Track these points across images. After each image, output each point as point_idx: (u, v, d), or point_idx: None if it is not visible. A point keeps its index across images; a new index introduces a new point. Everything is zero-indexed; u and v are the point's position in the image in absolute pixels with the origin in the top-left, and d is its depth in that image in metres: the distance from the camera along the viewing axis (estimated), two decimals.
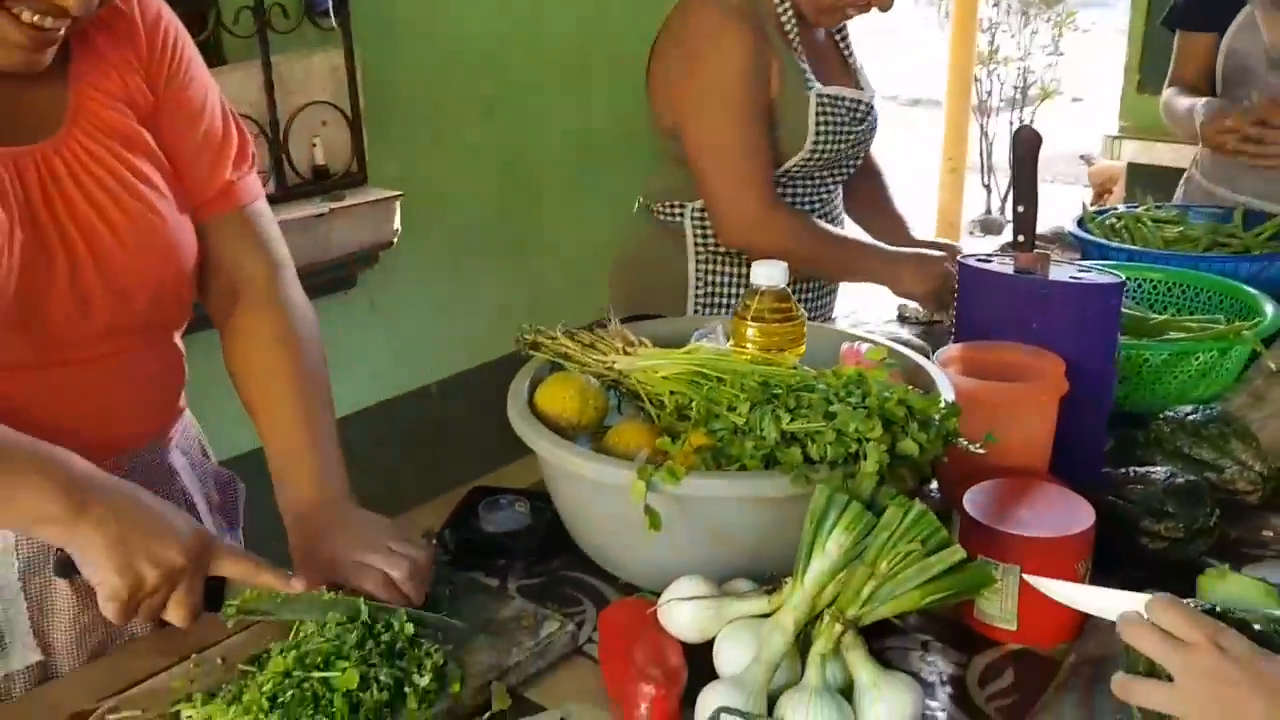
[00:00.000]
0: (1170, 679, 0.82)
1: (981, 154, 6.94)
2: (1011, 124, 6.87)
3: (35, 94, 1.07)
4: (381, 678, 0.97)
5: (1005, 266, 1.41)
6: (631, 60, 2.79)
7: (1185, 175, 2.49)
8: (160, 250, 1.13)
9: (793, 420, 1.07)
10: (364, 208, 2.39)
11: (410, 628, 1.02)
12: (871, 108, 1.91)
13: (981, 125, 6.95)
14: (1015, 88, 6.93)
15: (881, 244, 1.92)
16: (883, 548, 0.94)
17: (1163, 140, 3.82)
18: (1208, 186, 2.37)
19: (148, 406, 1.22)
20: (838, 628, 0.95)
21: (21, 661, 1.12)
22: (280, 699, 0.94)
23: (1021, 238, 1.38)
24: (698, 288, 1.91)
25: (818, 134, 1.80)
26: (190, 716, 0.96)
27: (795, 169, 1.83)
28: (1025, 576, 1.03)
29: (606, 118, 2.83)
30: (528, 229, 2.72)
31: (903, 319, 1.97)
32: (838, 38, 1.95)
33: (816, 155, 1.83)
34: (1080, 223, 2.12)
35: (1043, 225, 1.81)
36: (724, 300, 1.91)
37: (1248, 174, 2.26)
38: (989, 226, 6.77)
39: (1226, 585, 1.03)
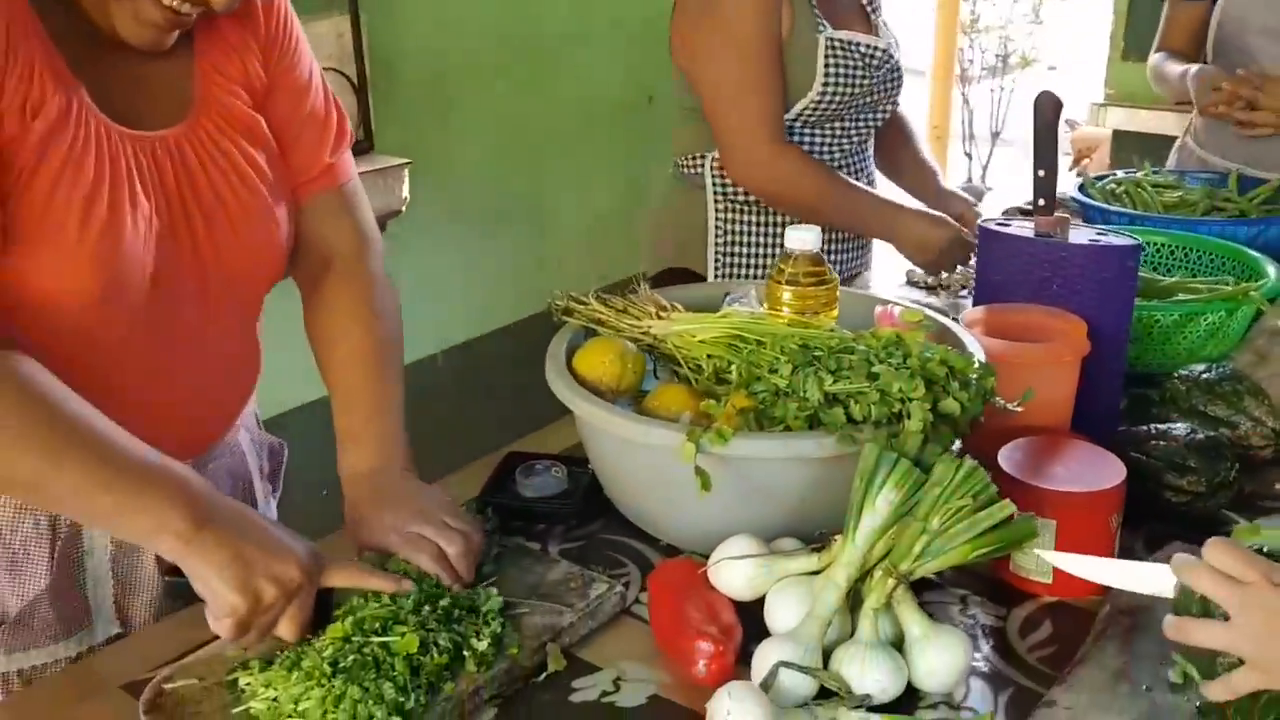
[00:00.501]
0: (1225, 619, 0.85)
1: (963, 122, 6.96)
2: (992, 92, 6.88)
3: (161, 77, 1.08)
4: (441, 641, 0.99)
5: (1025, 230, 1.43)
6: (630, 28, 2.81)
7: (1179, 143, 2.52)
8: (267, 240, 1.15)
9: (835, 382, 1.09)
10: (372, 176, 2.37)
11: (468, 596, 1.04)
12: (890, 57, 1.91)
13: (963, 93, 6.96)
14: (997, 56, 6.94)
15: (895, 200, 1.93)
16: (935, 503, 0.96)
17: (1147, 107, 3.86)
18: (1201, 154, 2.40)
19: (233, 390, 1.24)
20: (890, 582, 0.98)
21: (103, 635, 1.15)
22: (341, 664, 0.96)
23: (1042, 201, 1.40)
24: (717, 237, 1.93)
25: (826, 77, 1.82)
26: (249, 683, 0.98)
27: (808, 113, 1.85)
28: (1056, 560, 1.05)
29: (606, 85, 2.84)
30: (531, 196, 2.72)
31: (910, 283, 2.00)
32: None
33: (827, 100, 1.84)
34: (1081, 188, 2.15)
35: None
36: (743, 250, 1.94)
37: (1240, 141, 2.30)
38: (971, 194, 6.81)
39: (1258, 540, 1.06)
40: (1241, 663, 0.85)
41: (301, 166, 1.21)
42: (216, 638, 1.04)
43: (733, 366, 1.18)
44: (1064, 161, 6.97)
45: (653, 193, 2.05)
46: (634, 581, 1.16)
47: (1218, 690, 0.86)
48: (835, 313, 1.25)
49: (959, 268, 1.92)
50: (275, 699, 0.94)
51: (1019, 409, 1.12)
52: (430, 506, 1.11)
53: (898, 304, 1.30)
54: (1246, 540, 1.05)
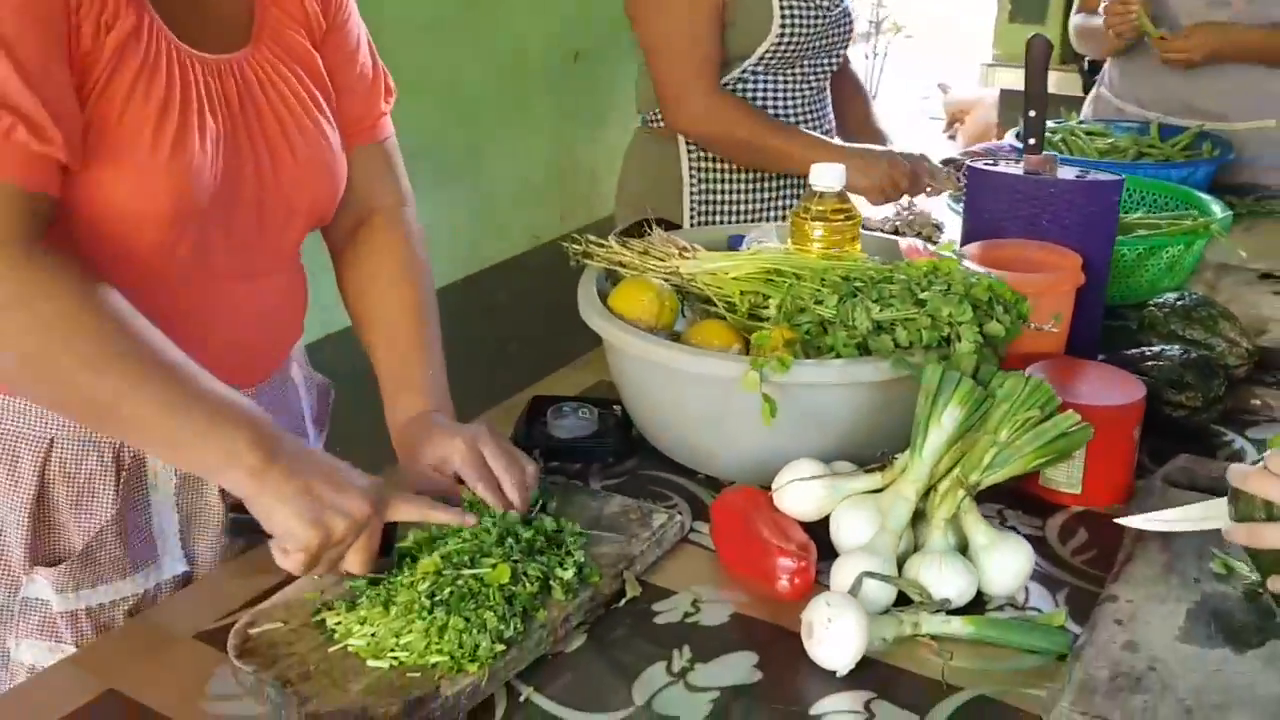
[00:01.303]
0: None
1: None
2: (866, 57, 7.07)
3: (222, 6, 1.07)
4: (530, 571, 1.00)
5: (1013, 168, 1.50)
6: None
7: (1094, 93, 2.66)
8: (325, 171, 1.15)
9: (882, 310, 1.13)
10: None
11: (550, 523, 1.05)
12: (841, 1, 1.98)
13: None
14: (870, 22, 7.13)
15: (831, 140, 1.98)
16: (1004, 416, 1.02)
17: None
18: (1117, 103, 2.54)
19: (286, 320, 1.23)
20: (960, 493, 1.03)
21: (170, 571, 1.13)
22: (438, 596, 0.96)
23: (1032, 140, 1.47)
24: (692, 187, 1.98)
25: (783, 19, 1.87)
26: (339, 622, 0.97)
27: (768, 57, 1.89)
28: (1121, 520, 1.09)
29: (535, 42, 2.82)
30: (467, 151, 2.70)
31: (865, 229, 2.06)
32: None
33: (784, 43, 1.89)
34: (1017, 136, 2.25)
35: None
36: (718, 197, 1.98)
37: (1153, 90, 2.44)
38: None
39: None
40: None
41: (352, 118, 1.21)
42: (287, 582, 1.03)
43: (771, 301, 1.21)
44: (937, 126, 7.24)
45: (596, 150, 2.07)
46: (685, 512, 1.19)
47: None
48: (859, 246, 1.29)
49: (914, 215, 1.99)
50: (375, 634, 0.94)
51: (1054, 329, 1.18)
52: (481, 441, 1.12)
53: (887, 237, 1.35)
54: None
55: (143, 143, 0.97)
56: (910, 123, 7.27)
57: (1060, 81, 4.11)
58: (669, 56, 1.86)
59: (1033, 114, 1.47)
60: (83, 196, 0.97)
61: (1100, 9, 2.45)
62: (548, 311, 1.24)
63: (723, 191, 1.97)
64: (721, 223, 1.97)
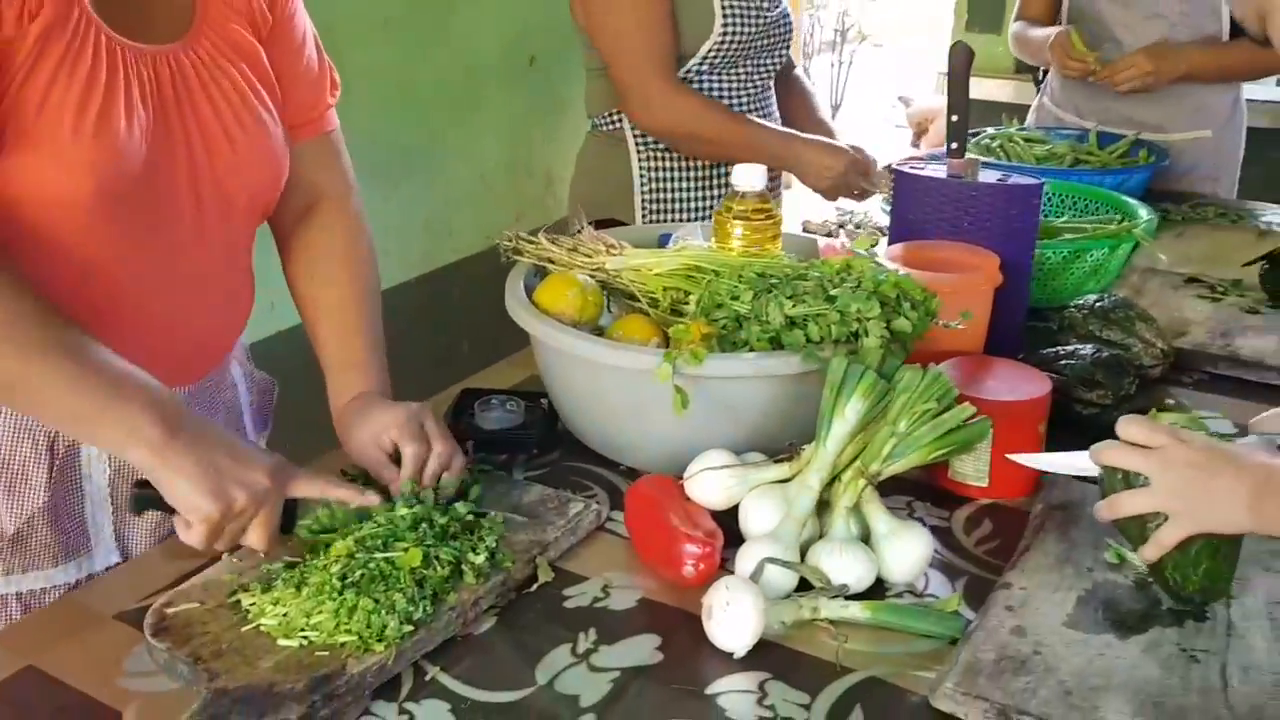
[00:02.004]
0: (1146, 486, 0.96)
1: None
2: (832, 65, 7.13)
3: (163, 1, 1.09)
4: (442, 556, 1.03)
5: (938, 171, 1.54)
6: None
7: (1036, 102, 2.71)
8: (264, 161, 1.17)
9: (795, 306, 1.16)
10: None
11: (463, 509, 1.08)
12: (779, 2, 2.02)
13: (805, 67, 7.19)
14: (835, 31, 7.19)
15: (792, 131, 2.03)
16: (903, 407, 1.05)
17: (991, 77, 4.10)
18: (1058, 113, 2.59)
19: (228, 317, 1.25)
20: (861, 483, 1.06)
21: (103, 562, 1.15)
22: (349, 578, 0.99)
23: (955, 144, 1.51)
24: (643, 187, 2.02)
25: (725, 21, 1.92)
26: (253, 603, 0.99)
27: (713, 57, 1.94)
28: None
29: (490, 45, 2.85)
30: (422, 151, 2.72)
31: (807, 231, 2.10)
32: None
33: (727, 43, 1.94)
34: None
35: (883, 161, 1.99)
36: (669, 196, 2.03)
37: (1092, 101, 2.50)
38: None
39: (1161, 420, 1.17)
40: (1166, 521, 0.96)
41: (298, 111, 1.24)
42: (208, 565, 1.05)
43: (691, 296, 1.24)
44: (903, 135, 7.31)
45: (551, 152, 2.10)
46: (604, 501, 1.22)
47: (1150, 551, 0.98)
48: (780, 245, 1.33)
49: (856, 217, 2.04)
50: (286, 614, 0.96)
51: (961, 326, 1.22)
52: (425, 415, 1.15)
53: (839, 240, 1.39)
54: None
55: (64, 127, 0.99)
56: (877, 130, 7.34)
57: (1016, 90, 4.17)
58: (628, 57, 1.90)
59: (954, 119, 1.51)
60: (2, 183, 0.98)
61: (1049, 43, 2.48)
62: (500, 311, 1.27)
63: (674, 191, 2.01)
64: (675, 220, 2.01)
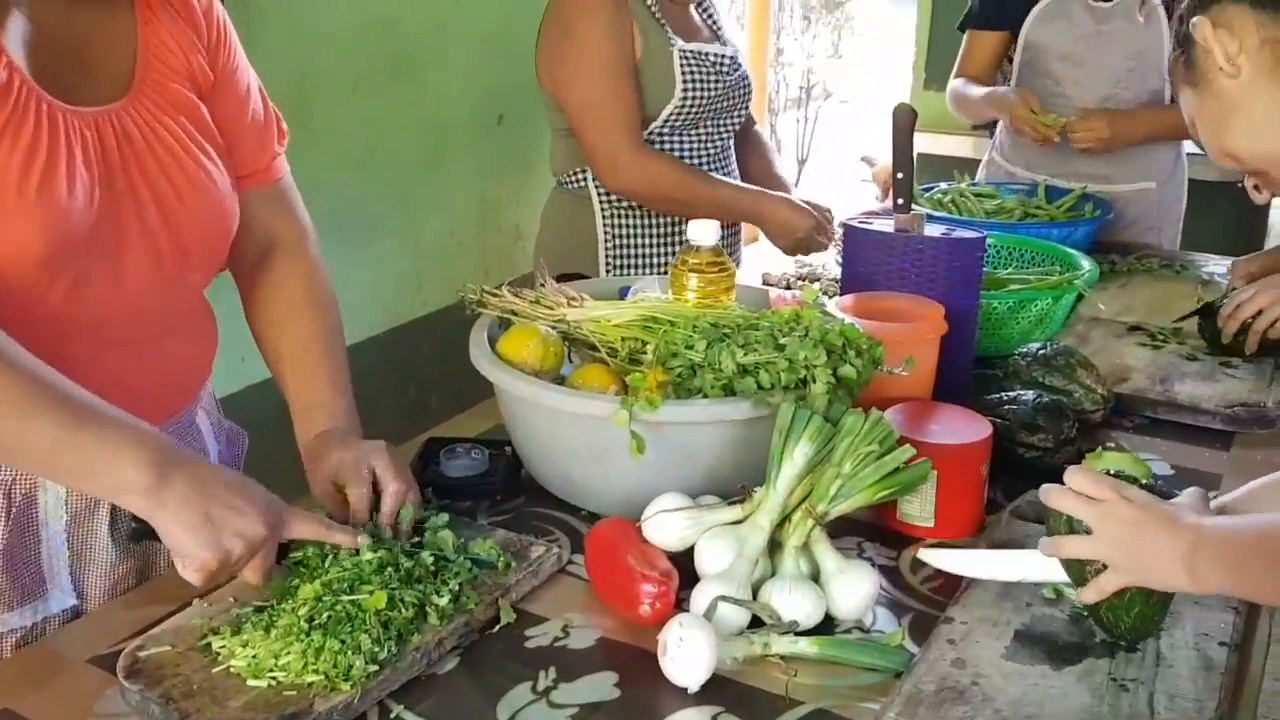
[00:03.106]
0: (1088, 533, 1.02)
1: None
2: (798, 122, 7.28)
3: (104, 58, 1.13)
4: (406, 598, 1.06)
5: (886, 226, 1.61)
6: (481, 49, 2.90)
7: (986, 158, 2.80)
8: (213, 212, 1.20)
9: (746, 354, 1.22)
10: None
11: (429, 559, 1.12)
12: (738, 64, 2.13)
13: (771, 124, 7.34)
14: (800, 88, 7.35)
15: (758, 188, 2.11)
16: (847, 450, 1.10)
17: (949, 133, 4.22)
18: (1008, 168, 2.68)
19: (190, 365, 1.28)
20: (809, 522, 1.11)
21: (58, 605, 1.16)
22: (317, 620, 1.02)
23: (900, 200, 1.58)
24: (608, 243, 2.10)
25: (685, 85, 2.01)
26: (224, 646, 1.03)
27: (674, 119, 2.03)
28: (923, 554, 1.17)
29: (459, 104, 2.92)
30: (392, 207, 2.78)
31: (766, 283, 2.17)
32: (702, 11, 2.16)
33: (689, 105, 2.03)
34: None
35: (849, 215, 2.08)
36: (633, 251, 2.10)
37: (1040, 156, 2.59)
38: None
39: (1108, 461, 1.22)
40: (1105, 568, 1.02)
41: (246, 162, 1.28)
42: (179, 611, 1.09)
43: (648, 346, 1.29)
44: (869, 189, 7.45)
45: (519, 208, 2.17)
46: (565, 545, 1.26)
47: (1090, 594, 1.03)
48: (734, 296, 1.39)
49: (814, 269, 2.11)
50: (255, 656, 1.00)
51: (904, 373, 1.28)
52: (378, 454, 1.19)
53: (791, 291, 1.45)
54: (1095, 465, 1.22)
55: (8, 193, 1.01)
56: (843, 185, 7.47)
57: (975, 146, 4.28)
58: (597, 124, 1.98)
59: (900, 176, 1.58)
60: None
61: (993, 93, 2.57)
62: (468, 363, 1.32)
63: (638, 245, 2.09)
64: (639, 274, 2.07)
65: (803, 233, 2.04)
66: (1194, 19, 1.12)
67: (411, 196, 2.85)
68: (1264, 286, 1.75)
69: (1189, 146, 2.70)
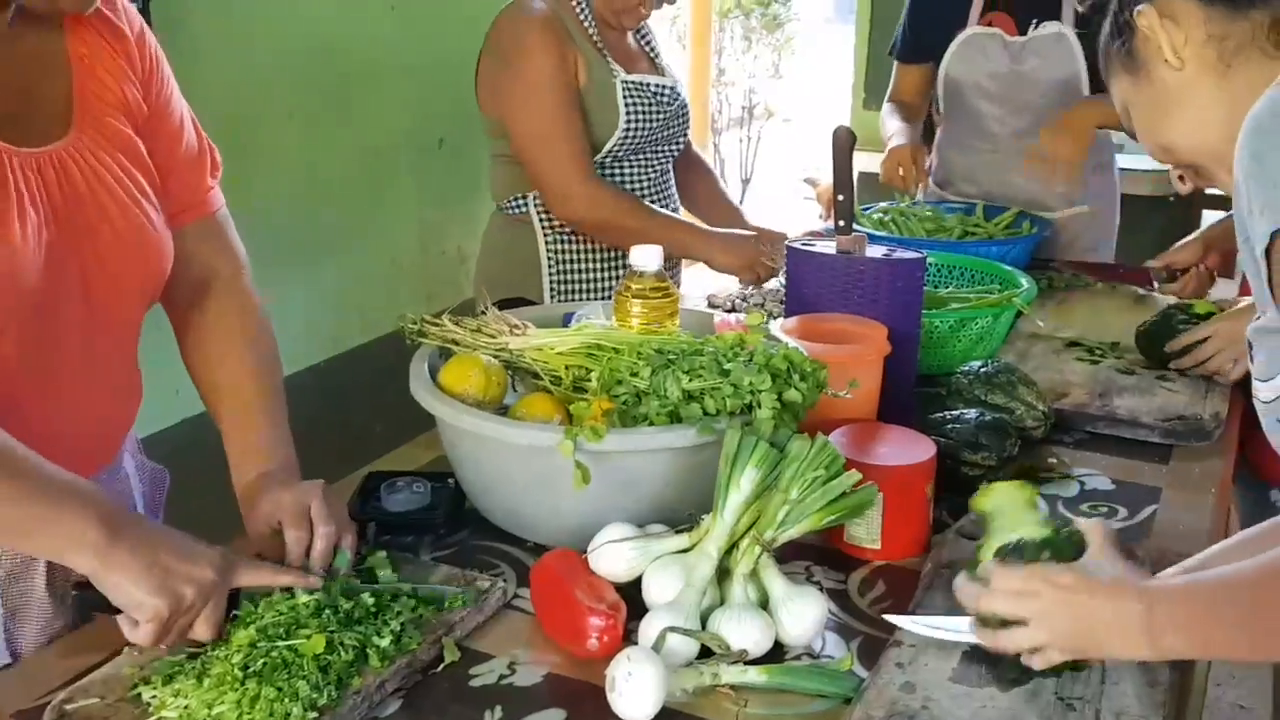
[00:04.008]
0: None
1: (715, 169, 7.37)
2: (741, 142, 7.33)
3: (42, 98, 1.10)
4: (346, 641, 1.04)
5: (828, 248, 1.61)
6: (420, 74, 2.88)
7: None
8: (149, 250, 1.17)
9: (691, 380, 1.21)
10: None
11: (369, 600, 1.09)
12: (678, 94, 2.14)
13: (714, 143, 7.38)
14: (743, 108, 7.40)
15: (697, 221, 2.12)
16: (794, 476, 1.10)
17: None
18: (939, 192, 2.70)
19: (119, 412, 1.24)
20: (757, 549, 1.10)
21: None
22: (252, 668, 0.99)
23: (842, 222, 1.59)
24: (550, 269, 2.09)
25: (628, 115, 2.02)
26: (155, 696, 0.99)
27: (618, 149, 2.04)
28: (888, 617, 1.13)
29: (399, 128, 2.89)
30: (332, 234, 2.74)
31: (712, 305, 2.16)
32: (640, 37, 2.17)
33: (632, 134, 2.04)
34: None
35: (793, 234, 2.09)
36: (576, 277, 2.10)
37: (966, 182, 2.61)
38: None
39: (995, 495, 1.18)
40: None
41: (181, 195, 1.25)
42: (108, 660, 1.05)
43: (592, 374, 1.28)
44: (813, 208, 7.52)
45: (462, 231, 2.16)
46: (510, 579, 1.24)
47: (1039, 663, 1.00)
48: (678, 322, 1.38)
49: (758, 292, 2.11)
50: (188, 706, 0.96)
51: (849, 396, 1.28)
52: (314, 496, 1.16)
53: (735, 313, 1.45)
54: (985, 498, 1.17)
55: None
56: (787, 203, 7.52)
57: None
58: (550, 155, 1.98)
59: (840, 198, 1.58)
60: None
61: (890, 140, 2.57)
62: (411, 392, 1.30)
63: (581, 271, 2.08)
64: (582, 299, 2.07)
65: (745, 265, 2.03)
66: (1139, 6, 1.10)
67: (351, 222, 2.81)
68: (1221, 332, 1.74)
69: (1127, 161, 2.74)
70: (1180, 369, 1.77)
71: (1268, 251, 0.92)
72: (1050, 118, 2.38)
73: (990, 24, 2.49)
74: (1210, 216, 4.72)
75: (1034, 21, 2.44)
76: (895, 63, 2.75)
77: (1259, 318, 0.98)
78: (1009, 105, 2.51)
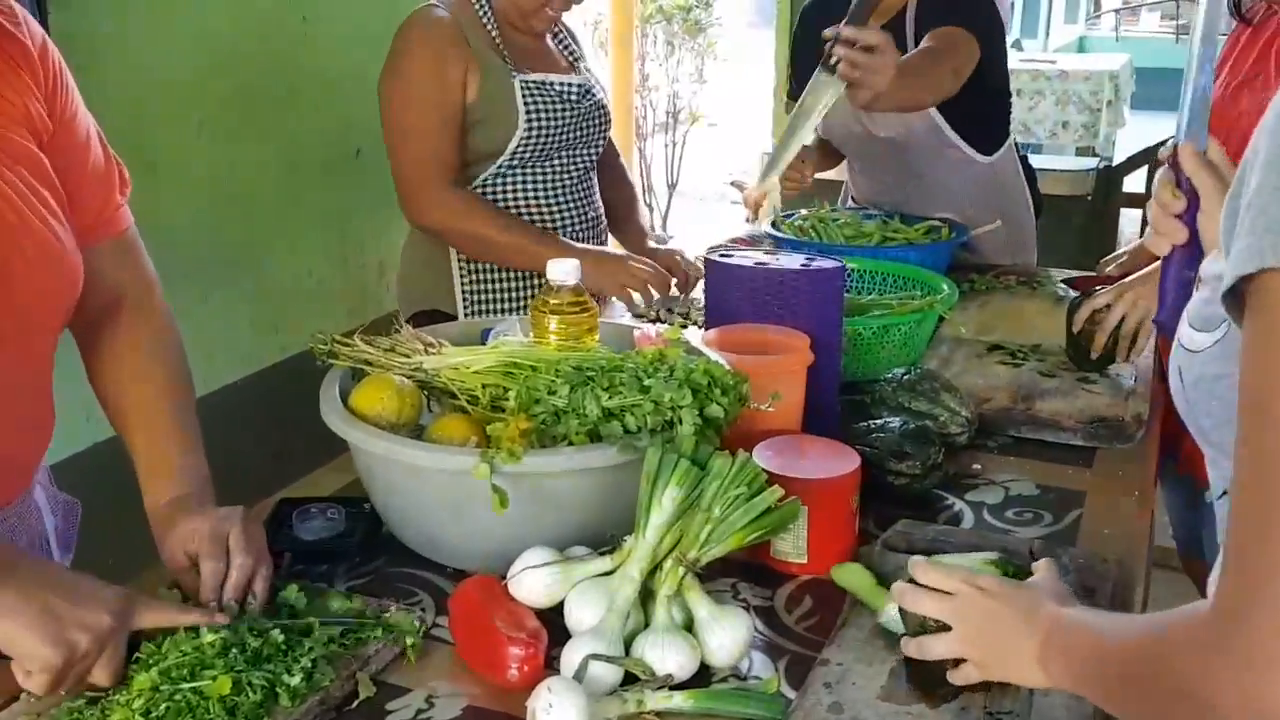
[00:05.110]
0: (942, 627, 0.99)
1: (641, 174, 7.35)
2: (666, 146, 7.32)
3: None
4: (254, 681, 0.99)
5: (746, 260, 1.60)
6: (337, 85, 2.81)
7: (844, 187, 2.84)
8: (57, 269, 1.12)
9: (611, 398, 1.18)
10: None
11: (279, 636, 1.04)
12: (589, 93, 2.10)
13: (639, 148, 7.36)
14: (667, 113, 7.40)
15: (564, 240, 2.05)
16: (716, 494, 1.07)
17: None
18: (859, 199, 2.71)
19: (30, 444, 1.19)
20: (680, 570, 1.08)
21: None
22: (154, 713, 0.94)
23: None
24: (464, 281, 2.05)
25: (529, 115, 1.98)
26: None
27: (521, 151, 2.00)
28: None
29: (313, 139, 2.83)
30: (246, 248, 2.66)
31: (636, 315, 2.14)
32: (559, 43, 2.14)
33: (535, 136, 2.00)
34: (774, 224, 2.39)
35: (720, 237, 2.07)
36: (491, 289, 2.06)
37: (882, 195, 2.62)
38: (657, 241, 7.20)
39: (846, 574, 1.20)
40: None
41: (88, 213, 1.20)
42: (3, 708, 0.99)
43: (510, 393, 1.24)
44: (739, 211, 7.56)
45: (381, 243, 2.13)
46: (429, 607, 1.20)
47: (958, 679, 0.99)
48: (597, 337, 1.35)
49: (672, 307, 2.09)
50: None
51: (770, 409, 1.26)
52: (233, 523, 1.12)
53: (654, 326, 1.42)
54: (840, 576, 1.19)
55: None
56: (713, 207, 7.55)
57: (839, 169, 4.35)
58: (405, 154, 1.96)
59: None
60: None
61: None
62: None
63: (494, 283, 2.05)
64: (496, 311, 2.04)
65: (621, 286, 1.96)
66: None
67: (266, 235, 2.73)
68: (1115, 291, 1.78)
69: (1045, 162, 2.77)
70: (1098, 352, 1.78)
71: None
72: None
73: None
74: (1128, 215, 4.83)
75: None
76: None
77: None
78: (881, 125, 2.46)
